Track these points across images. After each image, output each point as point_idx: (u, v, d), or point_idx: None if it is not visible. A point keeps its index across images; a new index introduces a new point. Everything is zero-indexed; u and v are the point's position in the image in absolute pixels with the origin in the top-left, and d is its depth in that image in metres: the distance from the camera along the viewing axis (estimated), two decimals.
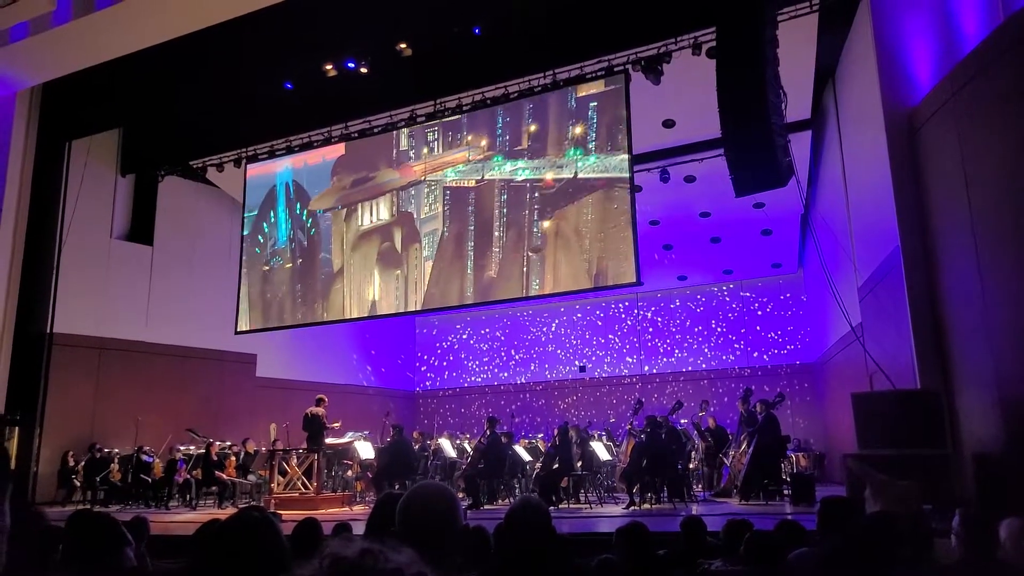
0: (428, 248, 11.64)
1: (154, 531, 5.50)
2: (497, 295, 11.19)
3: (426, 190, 11.80)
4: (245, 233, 13.39)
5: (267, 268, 13.02)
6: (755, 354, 16.50)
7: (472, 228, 11.37)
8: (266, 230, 13.16)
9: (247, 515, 1.76)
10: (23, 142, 12.21)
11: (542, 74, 10.96)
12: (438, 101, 11.76)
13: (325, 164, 12.72)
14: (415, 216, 11.90)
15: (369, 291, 12.06)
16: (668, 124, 11.56)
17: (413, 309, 11.87)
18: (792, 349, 16.17)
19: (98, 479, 12.04)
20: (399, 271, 11.87)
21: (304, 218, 12.82)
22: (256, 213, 13.20)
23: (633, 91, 10.29)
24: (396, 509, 1.79)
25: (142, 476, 12.06)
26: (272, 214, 13.09)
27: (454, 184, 11.60)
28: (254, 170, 13.30)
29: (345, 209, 12.47)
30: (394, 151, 12.20)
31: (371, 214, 12.25)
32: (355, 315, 12.24)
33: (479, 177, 11.37)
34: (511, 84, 11.17)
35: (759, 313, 16.61)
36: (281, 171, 13.04)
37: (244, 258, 13.33)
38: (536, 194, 10.89)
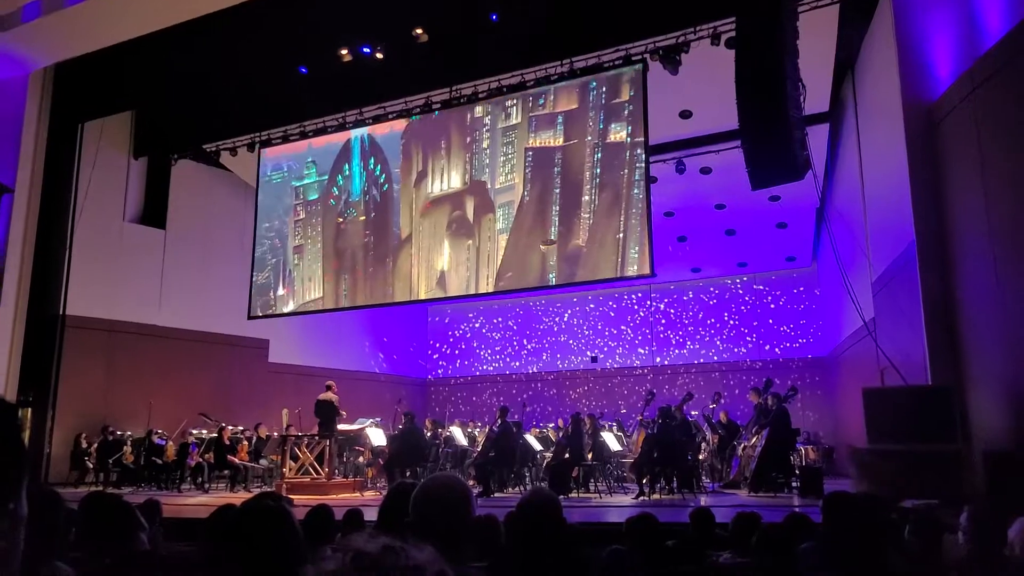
0: (503, 220, 11.23)
1: (166, 514, 5.62)
2: (587, 269, 10.46)
3: (502, 158, 11.39)
4: (314, 197, 13.15)
5: (341, 221, 12.85)
6: (767, 347, 16.49)
7: (557, 191, 10.83)
8: (340, 183, 12.96)
9: (263, 504, 1.77)
10: (36, 123, 12.29)
11: (559, 62, 10.93)
12: (454, 88, 11.75)
13: (393, 135, 12.54)
14: (489, 186, 11.51)
15: (439, 261, 11.78)
16: (685, 115, 11.52)
17: (485, 289, 11.41)
18: (804, 343, 16.15)
19: (111, 461, 12.23)
20: (471, 241, 11.52)
21: (377, 173, 12.57)
22: (327, 177, 13.04)
23: (650, 81, 10.26)
24: (409, 500, 1.84)
25: (154, 459, 12.23)
26: (347, 167, 12.89)
27: (537, 144, 11.14)
28: (321, 140, 13.09)
29: (415, 175, 12.23)
30: (468, 117, 11.86)
31: (441, 181, 11.95)
32: (423, 285, 11.83)
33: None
34: (528, 72, 11.15)
35: (772, 306, 16.58)
36: (355, 133, 12.88)
37: (321, 216, 13.08)
38: (638, 151, 10.28)
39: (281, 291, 13.22)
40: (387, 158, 12.52)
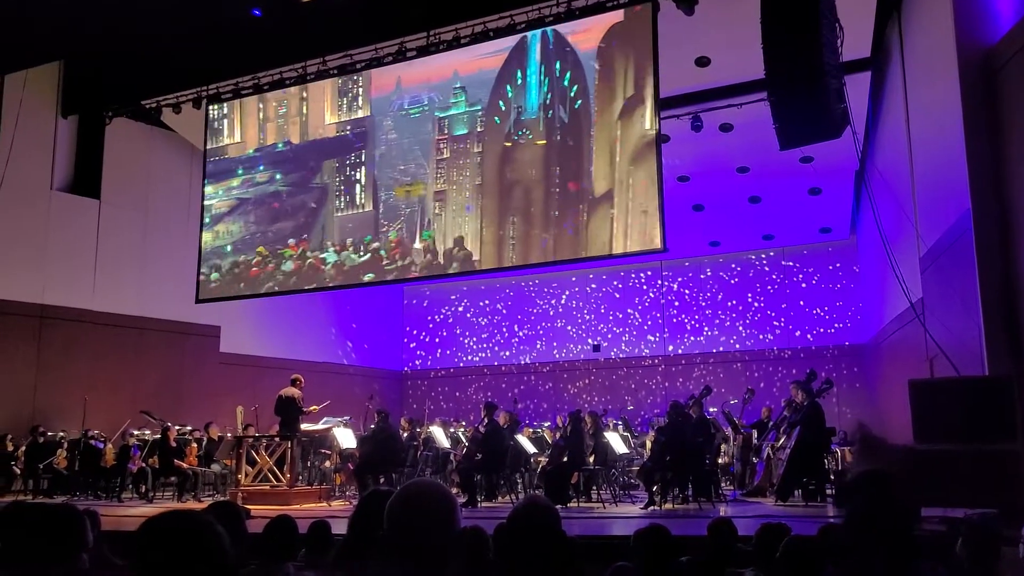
0: None
1: (105, 526, 5.59)
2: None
3: None
4: (462, 132, 11.67)
5: (509, 144, 11.17)
6: (798, 333, 16.54)
7: None
8: (509, 94, 11.23)
9: (179, 517, 1.69)
10: None
11: (554, 2, 10.84)
12: (432, 33, 11.65)
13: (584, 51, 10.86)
14: None
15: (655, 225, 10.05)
16: (702, 62, 11.42)
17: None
18: (841, 328, 16.20)
19: (41, 466, 12.21)
20: None
21: (566, 84, 10.74)
22: (481, 107, 11.53)
23: (661, 22, 10.15)
24: (384, 510, 1.81)
25: (91, 463, 12.21)
26: (519, 74, 11.20)
27: None
28: (472, 64, 11.55)
29: (620, 102, 10.49)
30: None
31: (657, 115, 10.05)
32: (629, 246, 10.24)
33: None
34: (517, 13, 11.07)
35: (803, 286, 16.61)
36: (532, 33, 11.21)
37: (483, 134, 11.48)
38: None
39: (417, 244, 11.78)
40: (582, 64, 10.74)
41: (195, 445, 12.44)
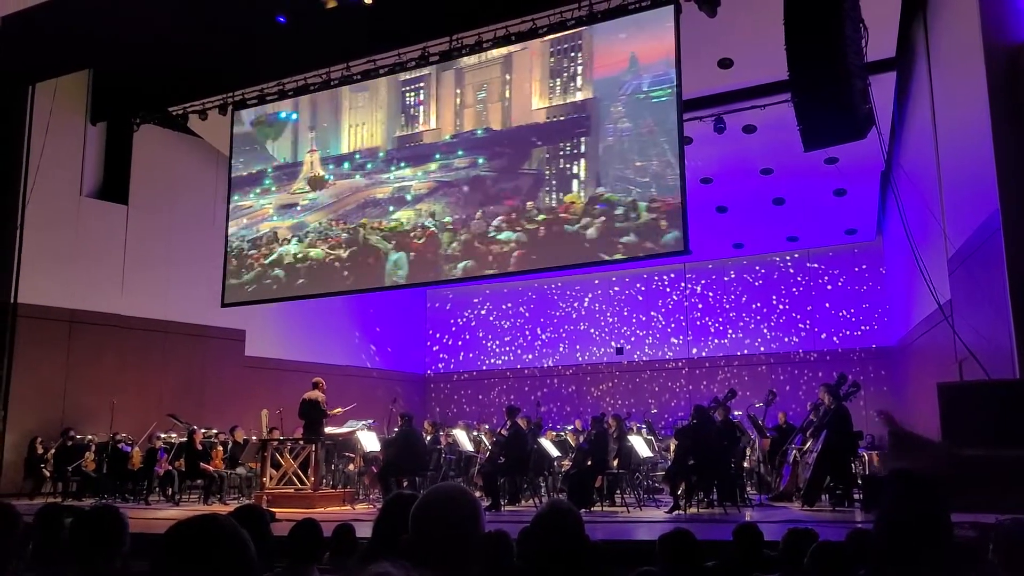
0: None
1: (133, 528, 5.65)
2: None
3: None
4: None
5: None
6: (823, 336, 16.39)
7: None
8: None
9: (204, 521, 1.66)
10: None
11: (576, 5, 10.85)
12: (454, 38, 11.70)
13: None
14: None
15: None
16: (725, 64, 11.38)
17: None
18: (867, 330, 16.03)
19: (70, 469, 12.36)
20: None
21: None
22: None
23: (684, 24, 10.12)
24: (409, 514, 1.81)
25: (119, 466, 12.34)
26: None
27: None
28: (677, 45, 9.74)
29: None
30: None
31: None
32: None
33: None
34: (539, 17, 11.08)
35: (829, 288, 16.46)
36: None
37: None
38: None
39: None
40: None
41: (221, 448, 12.54)
